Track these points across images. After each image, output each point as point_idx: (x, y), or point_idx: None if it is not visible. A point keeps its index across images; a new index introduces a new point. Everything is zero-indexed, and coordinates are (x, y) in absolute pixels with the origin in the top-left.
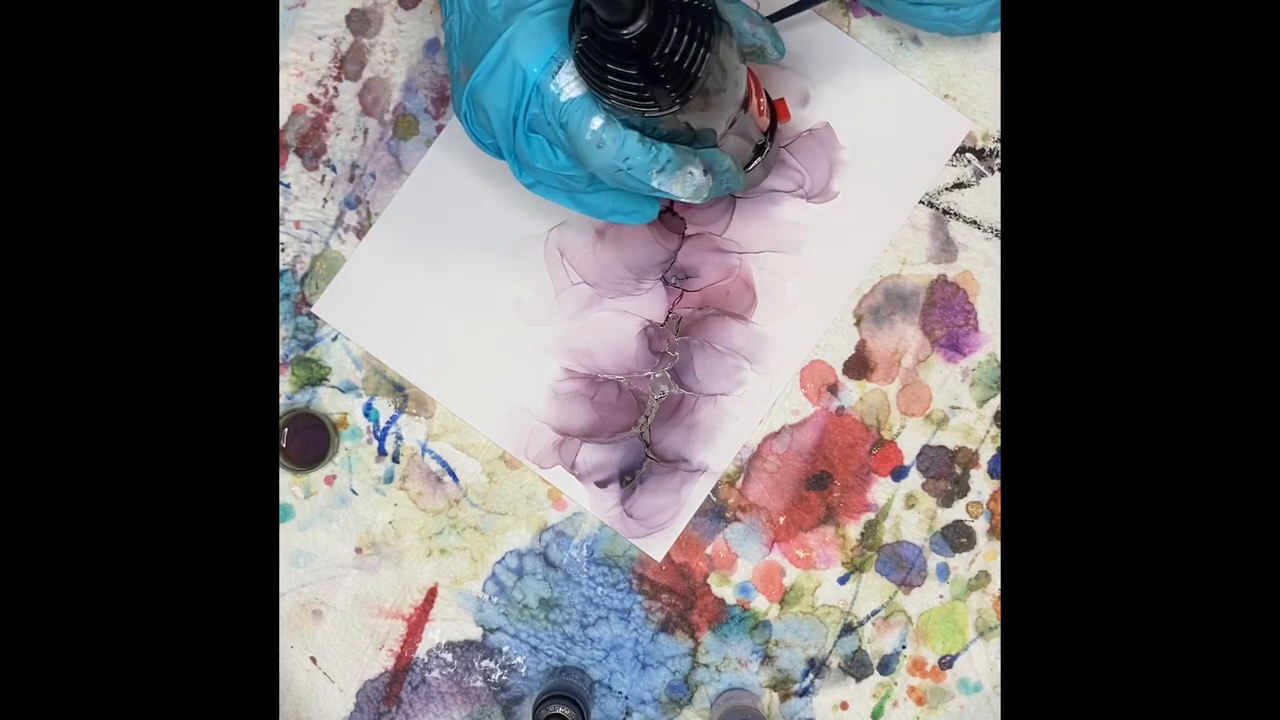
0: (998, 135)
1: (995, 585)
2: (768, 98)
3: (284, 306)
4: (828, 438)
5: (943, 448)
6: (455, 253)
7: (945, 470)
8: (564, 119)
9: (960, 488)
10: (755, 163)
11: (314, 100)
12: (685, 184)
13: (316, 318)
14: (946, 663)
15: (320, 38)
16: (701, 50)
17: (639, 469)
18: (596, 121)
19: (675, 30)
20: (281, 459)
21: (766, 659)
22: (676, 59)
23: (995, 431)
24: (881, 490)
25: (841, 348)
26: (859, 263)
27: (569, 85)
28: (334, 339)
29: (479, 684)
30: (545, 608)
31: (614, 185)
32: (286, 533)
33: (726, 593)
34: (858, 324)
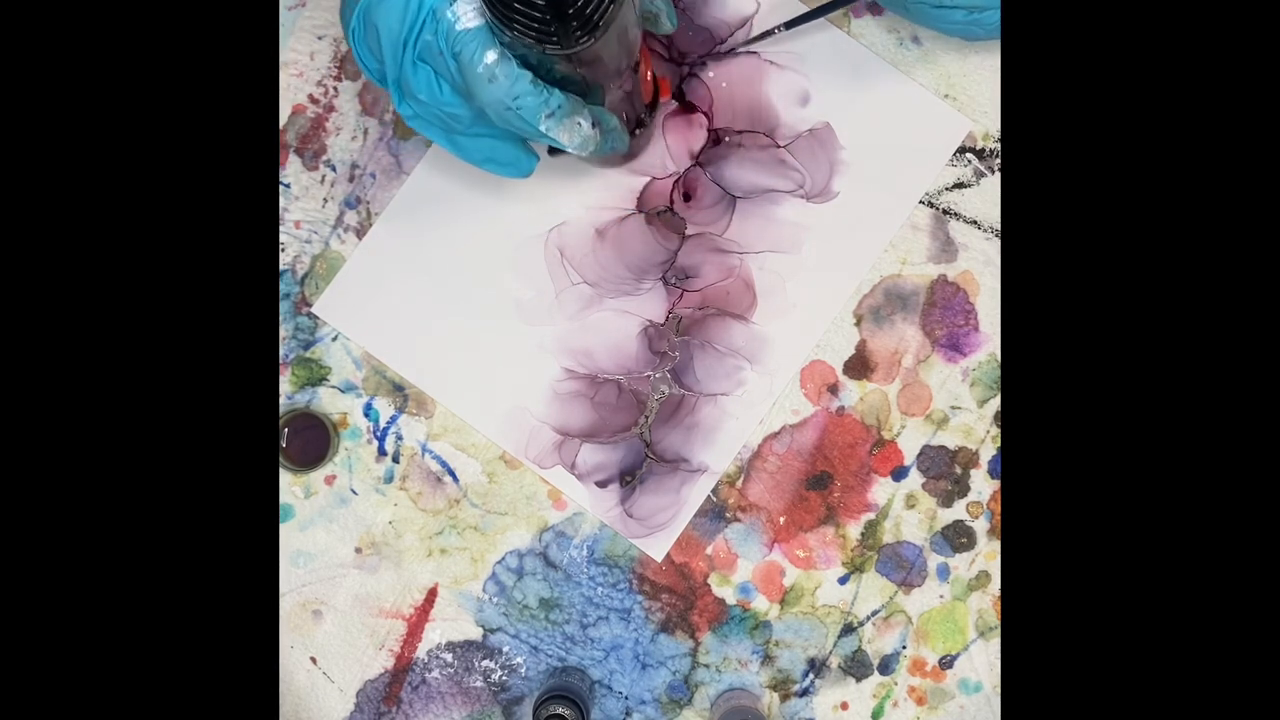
0: (998, 135)
1: (995, 585)
2: (653, 73)
3: (284, 306)
4: (828, 438)
5: (943, 448)
6: (455, 252)
7: (945, 470)
8: (457, 48)
9: (960, 488)
10: (635, 135)
11: (314, 100)
12: (573, 133)
13: (316, 318)
14: (946, 663)
15: (320, 38)
16: None
17: (639, 469)
18: (491, 55)
19: None
20: (281, 459)
21: (767, 659)
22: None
23: (995, 431)
24: (882, 490)
25: (841, 348)
26: (859, 263)
27: (466, 14)
28: (334, 339)
29: (479, 684)
30: (545, 608)
31: (500, 125)
32: (286, 533)
33: (727, 593)
34: (858, 324)
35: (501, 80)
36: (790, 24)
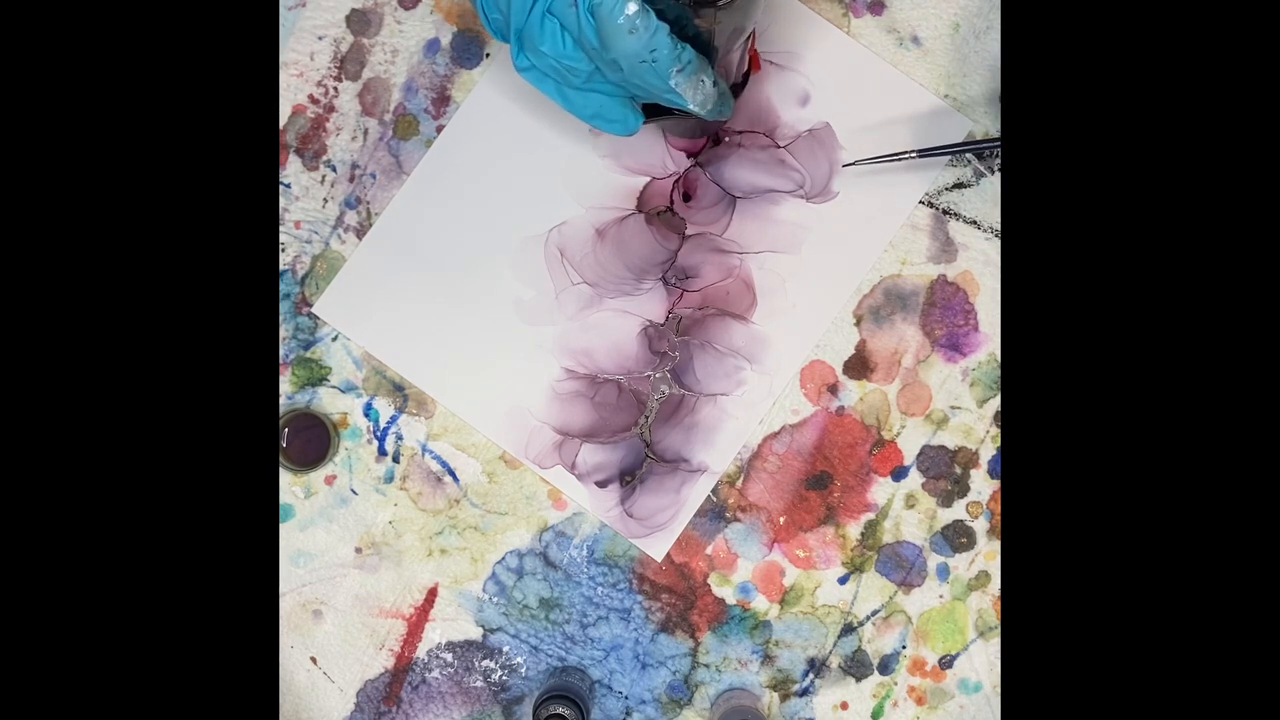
0: (998, 135)
1: (995, 585)
2: (753, 46)
3: (284, 306)
4: (828, 438)
5: (943, 448)
6: (455, 253)
7: (945, 470)
8: (596, 1)
9: (960, 488)
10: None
11: (314, 100)
12: (697, 90)
13: (316, 318)
14: (946, 663)
15: (320, 38)
16: None
17: (639, 469)
18: (632, 7)
19: None
20: (281, 459)
21: (766, 659)
22: None
23: (995, 431)
24: (881, 490)
25: (841, 348)
26: (859, 263)
27: None
28: (334, 339)
29: (479, 684)
30: (545, 608)
31: (628, 78)
32: (286, 533)
33: (726, 593)
34: (858, 324)
35: (642, 32)
36: (924, 153)
